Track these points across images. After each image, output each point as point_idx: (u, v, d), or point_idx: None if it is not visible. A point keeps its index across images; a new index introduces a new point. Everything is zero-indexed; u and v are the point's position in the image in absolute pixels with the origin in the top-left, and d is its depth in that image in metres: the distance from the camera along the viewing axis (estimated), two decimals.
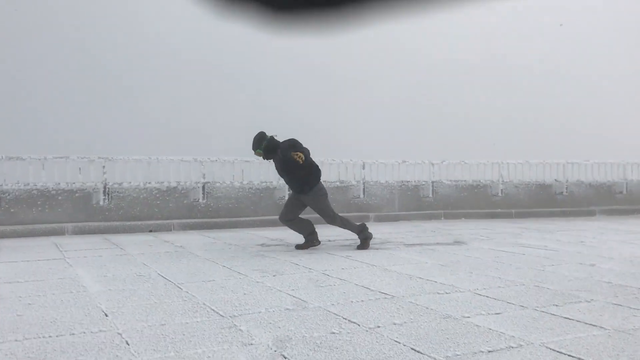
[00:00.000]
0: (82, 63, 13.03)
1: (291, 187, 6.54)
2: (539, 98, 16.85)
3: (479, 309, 3.57)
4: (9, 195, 8.17)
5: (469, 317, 3.37)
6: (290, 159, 6.11)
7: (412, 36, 14.45)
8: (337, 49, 13.75)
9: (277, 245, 6.94)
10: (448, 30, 15.26)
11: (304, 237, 6.55)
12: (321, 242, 6.69)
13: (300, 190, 6.37)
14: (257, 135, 6.35)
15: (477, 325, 3.17)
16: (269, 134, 6.38)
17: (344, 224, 6.43)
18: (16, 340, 2.89)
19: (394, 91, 15.61)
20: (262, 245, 6.93)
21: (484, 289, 4.21)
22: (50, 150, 8.78)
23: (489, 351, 2.72)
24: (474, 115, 16.16)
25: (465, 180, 11.38)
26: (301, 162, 6.07)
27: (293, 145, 6.26)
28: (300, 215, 6.60)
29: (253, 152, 6.39)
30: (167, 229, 8.72)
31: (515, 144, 15.45)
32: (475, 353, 2.69)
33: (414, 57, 15.57)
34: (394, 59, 15.50)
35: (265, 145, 6.28)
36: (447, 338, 2.93)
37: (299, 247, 6.50)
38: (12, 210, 8.18)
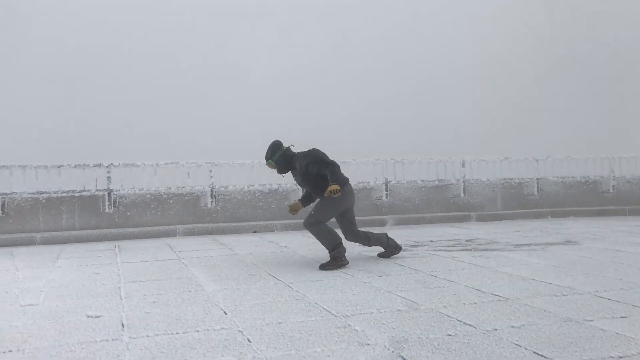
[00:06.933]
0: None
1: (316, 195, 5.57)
2: None
3: (601, 312, 3.39)
4: (125, 199, 8.76)
5: (591, 320, 3.21)
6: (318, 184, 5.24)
7: None
8: None
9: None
10: None
11: (384, 248, 5.79)
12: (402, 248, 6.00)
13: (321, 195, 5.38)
14: (271, 144, 5.47)
15: (602, 330, 3.01)
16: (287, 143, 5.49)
17: (321, 235, 5.37)
18: (147, 336, 3.10)
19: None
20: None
21: (605, 291, 3.99)
22: (161, 157, 9.34)
23: (620, 357, 2.58)
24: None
25: (573, 177, 10.82)
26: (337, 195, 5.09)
27: (315, 158, 5.23)
28: (362, 229, 5.74)
29: (265, 162, 5.57)
30: (270, 229, 8.98)
31: (626, 136, 14.49)
32: (605, 359, 2.56)
33: None
34: None
35: (278, 158, 5.40)
36: (571, 342, 2.81)
37: (381, 255, 5.83)
38: (128, 213, 8.77)
